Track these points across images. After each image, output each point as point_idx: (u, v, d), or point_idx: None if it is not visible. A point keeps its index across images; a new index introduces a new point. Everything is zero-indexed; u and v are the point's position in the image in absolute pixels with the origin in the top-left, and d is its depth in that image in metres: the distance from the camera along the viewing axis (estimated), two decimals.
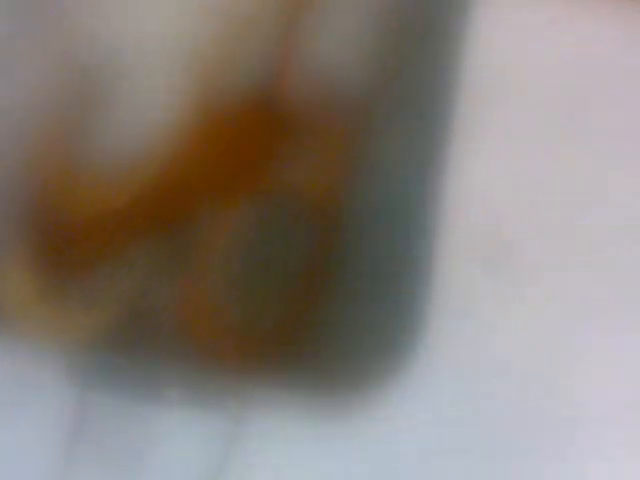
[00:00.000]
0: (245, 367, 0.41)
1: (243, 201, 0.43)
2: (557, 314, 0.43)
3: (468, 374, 0.41)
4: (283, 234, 0.43)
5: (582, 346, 0.43)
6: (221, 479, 0.40)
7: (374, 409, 0.40)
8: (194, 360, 0.41)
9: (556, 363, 0.42)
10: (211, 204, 0.43)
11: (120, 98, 0.44)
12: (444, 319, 0.41)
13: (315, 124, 0.44)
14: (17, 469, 0.41)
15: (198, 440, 0.40)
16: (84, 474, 0.40)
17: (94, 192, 0.43)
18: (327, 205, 0.43)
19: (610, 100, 0.45)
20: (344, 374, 0.41)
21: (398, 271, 0.42)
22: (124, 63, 0.44)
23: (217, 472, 0.40)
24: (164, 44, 0.44)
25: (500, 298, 0.43)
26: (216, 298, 0.42)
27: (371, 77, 0.44)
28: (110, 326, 0.41)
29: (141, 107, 0.44)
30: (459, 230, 0.42)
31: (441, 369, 0.40)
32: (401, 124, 0.44)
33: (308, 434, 0.40)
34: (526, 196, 0.44)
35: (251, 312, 0.41)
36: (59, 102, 0.44)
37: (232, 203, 0.43)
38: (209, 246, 0.42)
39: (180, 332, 0.41)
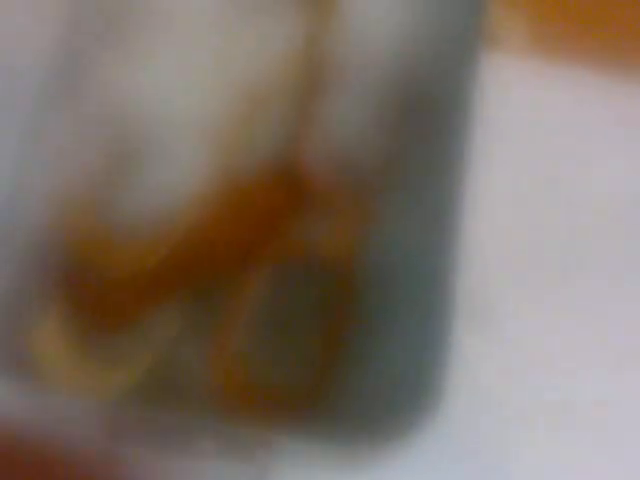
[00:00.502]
0: (271, 422, 0.43)
1: (265, 263, 0.45)
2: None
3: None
4: (303, 294, 0.45)
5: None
6: None
7: (392, 460, 0.42)
8: (223, 415, 0.43)
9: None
10: (235, 266, 0.46)
11: (150, 165, 0.46)
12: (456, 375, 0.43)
13: (329, 191, 0.47)
14: None
15: None
16: None
17: (126, 252, 0.45)
18: (343, 266, 0.45)
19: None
20: (362, 429, 0.43)
21: (414, 328, 0.44)
22: (154, 133, 0.47)
23: None
24: (191, 116, 0.47)
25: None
26: (242, 356, 0.44)
27: (381, 151, 0.47)
28: (140, 383, 0.43)
29: (169, 174, 0.47)
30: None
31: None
32: (409, 191, 0.47)
33: None
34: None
35: (275, 370, 0.44)
36: (92, 166, 0.46)
37: (255, 265, 0.45)
38: (235, 306, 0.44)
39: (209, 390, 0.43)
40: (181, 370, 0.44)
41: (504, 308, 0.46)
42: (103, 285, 0.45)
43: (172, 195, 0.46)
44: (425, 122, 0.48)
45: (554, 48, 0.50)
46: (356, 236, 0.46)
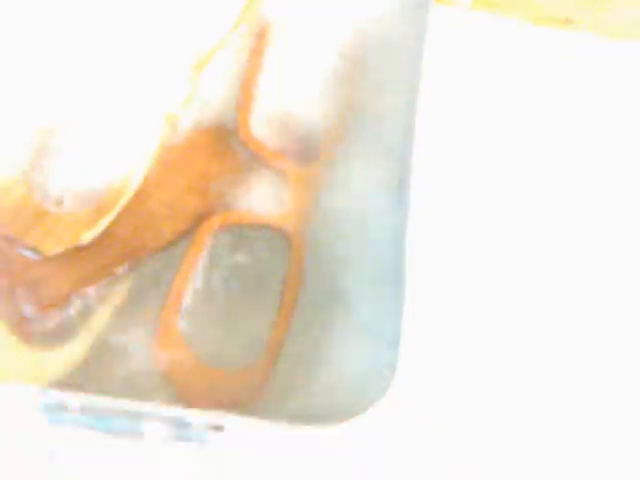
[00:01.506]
0: (220, 405, 0.41)
1: (209, 233, 0.43)
2: None
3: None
4: (250, 266, 0.43)
5: None
6: None
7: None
8: (169, 393, 0.42)
9: None
10: (178, 237, 0.43)
11: (82, 133, 0.44)
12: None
13: (274, 155, 0.45)
14: None
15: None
16: None
17: (60, 227, 0.42)
18: (291, 236, 0.44)
19: None
20: (313, 409, 0.42)
21: (366, 293, 0.43)
22: (85, 99, 0.44)
23: None
24: (127, 82, 0.44)
25: None
26: (188, 336, 0.42)
27: (326, 111, 0.45)
28: (80, 365, 0.41)
29: (102, 141, 0.44)
30: None
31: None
32: (359, 151, 0.45)
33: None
34: None
35: (223, 350, 0.42)
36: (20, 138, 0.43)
37: (199, 235, 0.43)
38: (179, 281, 0.43)
39: (155, 364, 0.42)
40: (124, 351, 0.42)
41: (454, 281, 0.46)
42: (37, 262, 0.42)
43: (108, 164, 0.44)
44: (373, 78, 0.46)
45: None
46: (304, 203, 0.44)
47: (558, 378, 0.45)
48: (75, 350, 0.42)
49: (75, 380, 0.41)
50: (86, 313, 0.42)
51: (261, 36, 0.46)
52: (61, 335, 0.42)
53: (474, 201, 0.48)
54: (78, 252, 0.42)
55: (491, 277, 0.46)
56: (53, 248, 0.42)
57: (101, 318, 0.42)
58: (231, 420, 0.38)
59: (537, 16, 0.54)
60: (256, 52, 0.46)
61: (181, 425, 0.39)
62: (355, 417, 0.38)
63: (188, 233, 0.44)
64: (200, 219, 0.44)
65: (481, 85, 0.50)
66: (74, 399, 0.38)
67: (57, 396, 0.38)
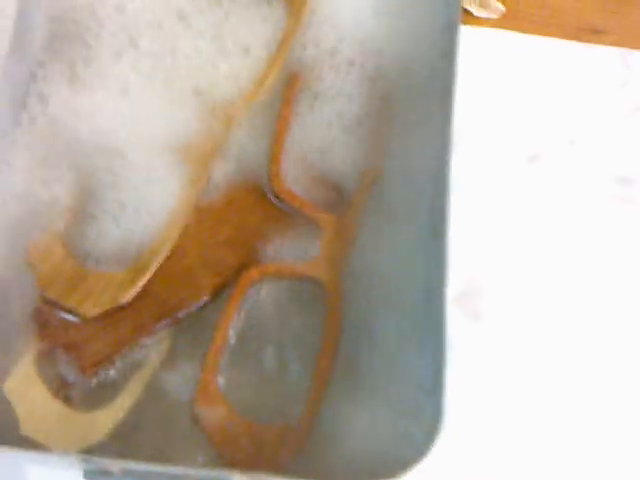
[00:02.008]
0: (259, 458, 0.41)
1: (246, 286, 0.43)
2: None
3: None
4: (287, 318, 0.43)
5: None
6: None
7: None
8: (209, 449, 0.41)
9: None
10: (216, 291, 0.43)
11: (118, 193, 0.44)
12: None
13: (308, 207, 0.45)
14: None
15: None
16: None
17: (102, 291, 0.42)
18: (329, 286, 0.43)
19: None
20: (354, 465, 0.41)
21: (403, 342, 0.42)
22: (120, 159, 0.44)
23: None
24: (159, 138, 0.45)
25: None
26: (227, 392, 0.42)
27: (359, 164, 0.45)
28: (125, 421, 0.41)
29: (139, 199, 0.44)
30: None
31: None
32: (391, 197, 0.45)
33: None
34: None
35: (262, 406, 0.42)
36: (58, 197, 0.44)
37: (237, 289, 0.43)
38: (220, 332, 0.42)
39: (195, 423, 0.41)
40: (164, 410, 0.42)
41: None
42: (77, 324, 0.42)
43: (143, 224, 0.44)
44: (403, 117, 0.45)
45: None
46: (338, 252, 0.44)
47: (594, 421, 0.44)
48: (116, 411, 0.42)
49: (116, 441, 0.41)
50: (126, 374, 0.42)
51: (289, 88, 0.46)
52: (102, 397, 0.42)
53: (514, 240, 0.48)
54: (117, 313, 0.43)
55: (532, 318, 0.46)
56: (93, 310, 0.42)
57: (141, 378, 0.42)
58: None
59: (565, 28, 0.53)
60: (285, 104, 0.46)
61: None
62: (400, 473, 0.37)
63: (226, 287, 0.44)
64: (237, 272, 0.44)
65: (513, 105, 0.50)
66: (116, 464, 0.38)
67: (100, 462, 0.38)
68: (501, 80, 0.51)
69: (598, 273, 0.48)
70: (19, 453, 0.39)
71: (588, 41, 0.53)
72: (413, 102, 0.45)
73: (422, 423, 0.39)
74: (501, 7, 0.53)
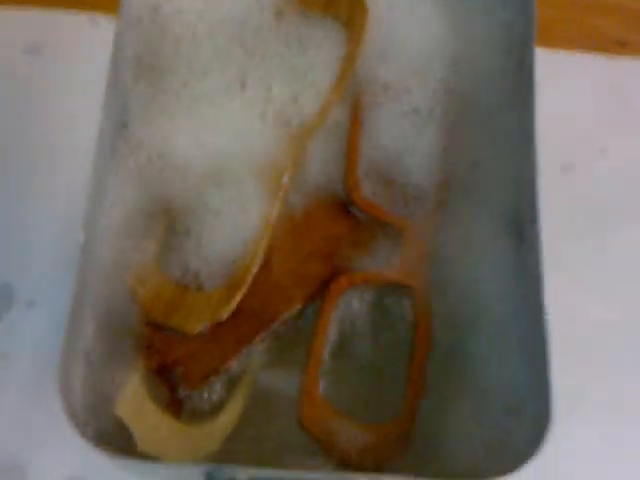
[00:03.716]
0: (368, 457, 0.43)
1: (338, 291, 0.46)
2: None
3: None
4: (377, 325, 0.45)
5: None
6: None
7: None
8: (315, 452, 0.44)
9: None
10: (308, 298, 0.46)
11: (206, 217, 0.46)
12: None
13: (388, 217, 0.47)
14: None
15: None
16: None
17: (202, 308, 0.45)
18: (414, 285, 0.46)
19: None
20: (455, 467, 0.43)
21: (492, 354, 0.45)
22: (207, 184, 0.47)
23: None
24: (243, 159, 0.47)
25: None
26: (330, 389, 0.44)
27: (436, 172, 0.48)
28: (233, 431, 0.44)
29: (226, 221, 0.46)
30: None
31: None
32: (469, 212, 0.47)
33: None
34: None
35: (361, 412, 0.44)
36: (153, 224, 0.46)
37: (329, 294, 0.45)
38: (318, 339, 0.45)
39: (301, 427, 0.44)
40: (269, 418, 0.44)
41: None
42: (181, 342, 0.44)
43: (233, 239, 0.46)
44: (482, 129, 0.48)
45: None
46: (422, 258, 0.46)
47: None
48: (224, 421, 0.44)
49: (227, 451, 0.43)
50: (230, 386, 0.44)
51: (358, 102, 0.49)
52: (210, 409, 0.44)
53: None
54: (217, 329, 0.45)
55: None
56: (195, 327, 0.44)
57: (245, 388, 0.44)
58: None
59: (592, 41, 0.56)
60: (355, 119, 0.48)
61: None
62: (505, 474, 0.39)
63: (316, 297, 0.46)
64: (325, 282, 0.46)
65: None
66: (242, 472, 0.40)
67: (227, 471, 0.40)
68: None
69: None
70: (151, 465, 0.41)
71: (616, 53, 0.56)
72: (489, 113, 0.47)
73: (526, 425, 0.41)
74: None
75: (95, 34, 0.56)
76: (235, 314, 0.45)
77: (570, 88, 0.54)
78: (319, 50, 0.49)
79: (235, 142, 0.47)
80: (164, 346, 0.44)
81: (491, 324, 0.44)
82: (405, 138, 0.48)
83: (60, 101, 0.54)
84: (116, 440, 0.42)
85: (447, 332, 0.45)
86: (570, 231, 0.50)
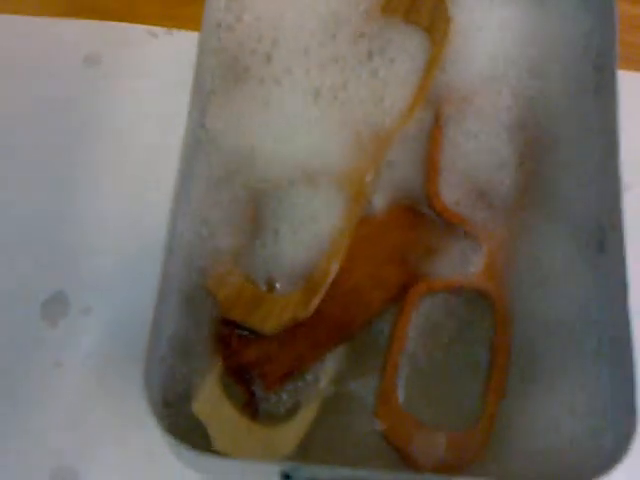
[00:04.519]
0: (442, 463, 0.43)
1: (416, 296, 0.45)
2: None
3: None
4: (456, 331, 0.45)
5: None
6: None
7: None
8: (390, 457, 0.43)
9: None
10: (386, 303, 0.45)
11: (284, 218, 0.46)
12: None
13: (466, 224, 0.47)
14: None
15: None
16: None
17: (281, 310, 0.45)
18: (492, 291, 0.45)
19: None
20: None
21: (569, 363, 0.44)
22: (283, 186, 0.47)
23: None
24: (322, 164, 0.47)
25: None
26: (406, 404, 0.44)
27: (514, 178, 0.48)
28: (309, 434, 0.43)
29: (304, 222, 0.47)
30: None
31: None
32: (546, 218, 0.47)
33: None
34: None
35: (439, 417, 0.44)
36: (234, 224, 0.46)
37: (407, 299, 0.45)
38: (396, 345, 0.44)
39: (377, 432, 0.43)
40: (345, 421, 0.43)
41: None
42: (260, 343, 0.44)
43: (312, 242, 0.46)
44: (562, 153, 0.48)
45: None
46: (499, 265, 0.46)
47: None
48: (300, 424, 0.43)
49: (301, 454, 0.43)
50: (307, 388, 0.44)
51: (439, 111, 0.49)
52: (286, 411, 0.44)
53: None
54: (295, 330, 0.45)
55: None
56: (273, 328, 0.44)
57: (320, 391, 0.44)
58: None
59: None
60: (436, 126, 0.48)
61: None
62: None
63: (393, 302, 0.46)
64: (403, 287, 0.46)
65: None
66: (322, 471, 0.40)
67: (307, 470, 0.39)
68: None
69: None
70: (230, 462, 0.41)
71: None
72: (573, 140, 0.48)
73: (611, 429, 0.41)
74: None
75: (154, 46, 0.57)
76: (313, 317, 0.45)
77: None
78: (401, 55, 0.49)
79: (316, 145, 0.47)
80: (241, 347, 0.44)
81: (570, 330, 0.44)
82: (486, 147, 0.48)
83: (118, 110, 0.55)
84: (191, 438, 0.42)
85: (525, 339, 0.45)
86: None
